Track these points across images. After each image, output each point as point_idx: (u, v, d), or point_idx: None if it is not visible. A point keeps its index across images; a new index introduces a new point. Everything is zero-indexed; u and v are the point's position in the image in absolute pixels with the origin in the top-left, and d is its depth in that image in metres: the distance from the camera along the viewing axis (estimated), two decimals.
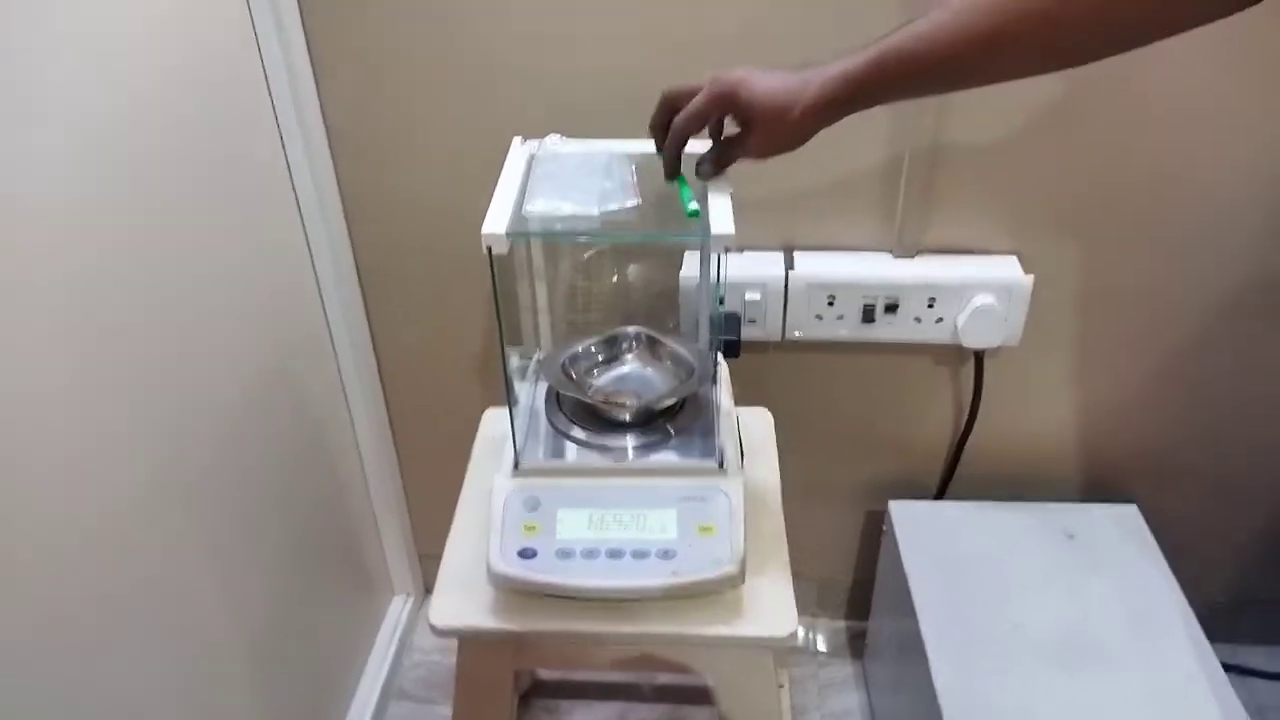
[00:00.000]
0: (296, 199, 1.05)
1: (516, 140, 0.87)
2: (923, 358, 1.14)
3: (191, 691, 0.86)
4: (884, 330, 1.09)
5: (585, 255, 1.04)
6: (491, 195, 0.77)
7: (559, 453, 0.85)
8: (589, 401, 0.88)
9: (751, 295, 1.08)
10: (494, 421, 1.02)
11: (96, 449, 0.72)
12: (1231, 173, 0.99)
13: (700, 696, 1.31)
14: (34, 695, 0.65)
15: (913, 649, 1.02)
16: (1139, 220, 1.03)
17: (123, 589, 0.75)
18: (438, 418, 1.27)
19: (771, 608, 0.77)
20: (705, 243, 0.76)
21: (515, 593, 0.77)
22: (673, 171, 0.77)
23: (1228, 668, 1.13)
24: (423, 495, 1.37)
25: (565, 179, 0.79)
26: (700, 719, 1.29)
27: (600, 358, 0.95)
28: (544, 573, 0.76)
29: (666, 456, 0.84)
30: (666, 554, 0.76)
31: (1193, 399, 1.15)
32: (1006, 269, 1.06)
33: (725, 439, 0.84)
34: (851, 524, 1.31)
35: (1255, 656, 1.31)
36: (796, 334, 1.10)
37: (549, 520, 0.79)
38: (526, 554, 0.77)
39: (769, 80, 0.69)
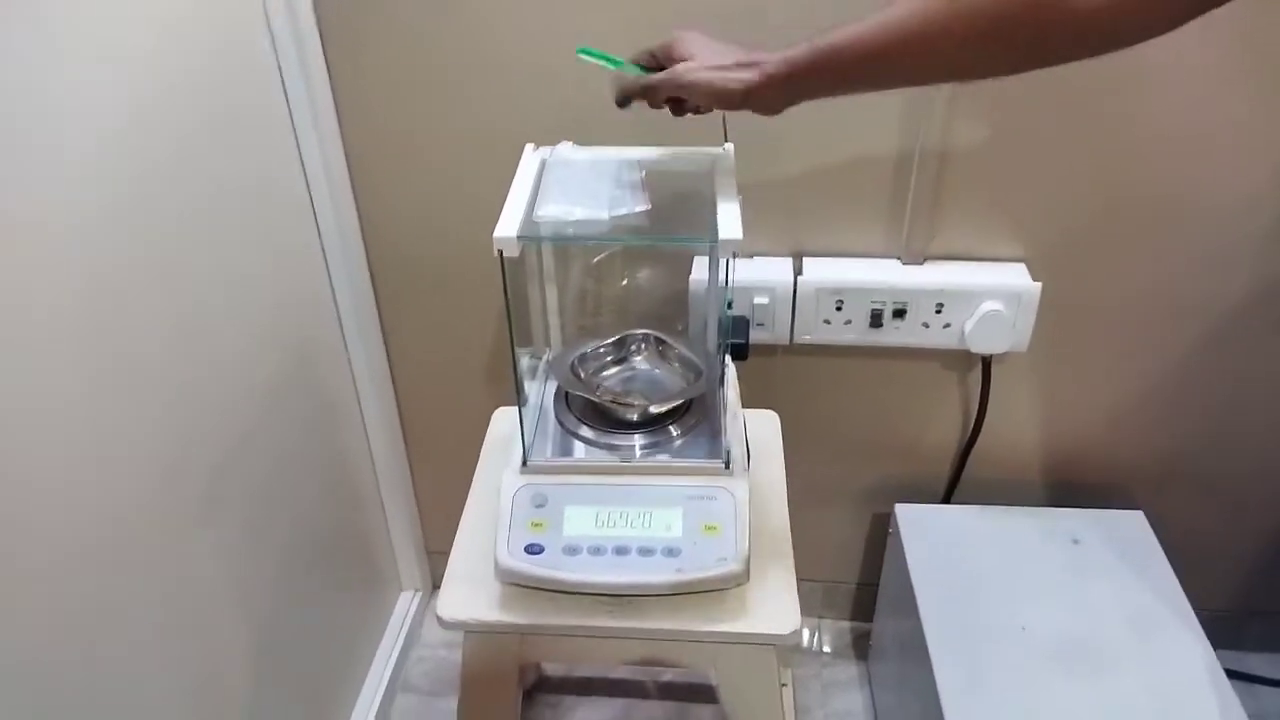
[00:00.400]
0: (312, 203, 1.07)
1: (529, 147, 0.89)
2: (930, 363, 1.15)
3: (201, 680, 0.88)
4: (892, 335, 1.10)
5: (596, 259, 1.05)
6: (503, 200, 0.78)
7: (567, 451, 0.87)
8: (597, 401, 0.89)
9: (760, 299, 1.09)
10: (503, 420, 1.04)
11: (113, 446, 0.74)
12: (1239, 181, 1.00)
13: (704, 695, 1.32)
14: (47, 683, 0.67)
15: (916, 651, 1.02)
16: (1146, 228, 1.04)
17: (136, 581, 0.77)
18: (448, 417, 1.28)
19: (775, 606, 0.78)
20: (714, 246, 0.77)
21: (521, 587, 0.79)
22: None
23: (1232, 674, 1.13)
24: (433, 493, 1.39)
25: (576, 184, 0.81)
26: (704, 717, 1.30)
27: (609, 359, 0.97)
28: (550, 568, 0.77)
29: (673, 456, 0.85)
30: (672, 552, 0.77)
31: (1200, 406, 1.16)
32: (1014, 276, 1.06)
33: (732, 440, 0.85)
34: (858, 526, 1.32)
35: (1260, 664, 1.31)
36: (805, 338, 1.11)
37: (556, 517, 0.80)
38: (533, 549, 0.78)
39: (711, 74, 0.72)
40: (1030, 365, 1.13)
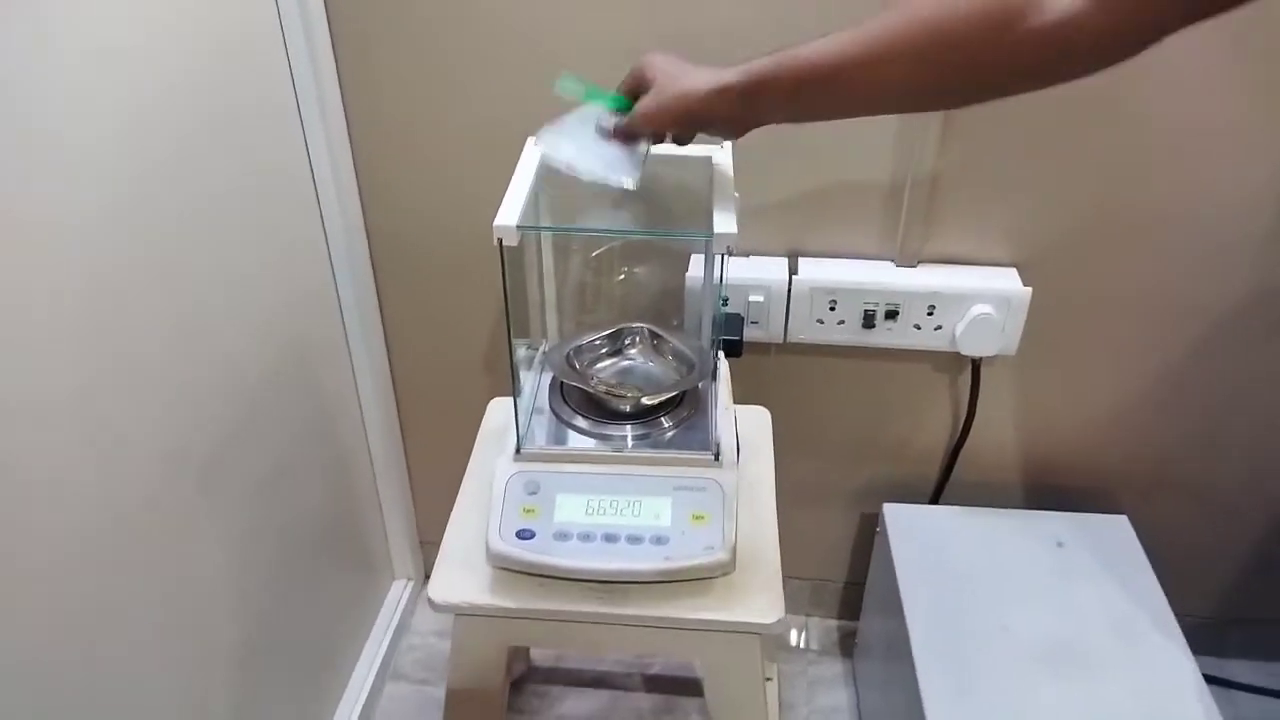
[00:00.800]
0: (318, 197, 1.08)
1: (530, 140, 0.90)
2: (921, 364, 1.16)
3: (195, 666, 0.89)
4: (884, 336, 1.12)
5: (594, 253, 1.07)
6: (504, 192, 0.79)
7: (561, 440, 0.88)
8: (591, 391, 0.91)
9: (755, 297, 1.11)
10: (499, 411, 1.05)
11: (114, 440, 0.75)
12: (1228, 186, 1.01)
13: (690, 688, 1.34)
14: (44, 673, 0.68)
15: (900, 649, 1.04)
16: (1137, 233, 1.05)
17: (134, 574, 0.78)
18: (445, 409, 1.30)
19: (759, 596, 0.80)
20: (709, 242, 0.79)
21: (512, 572, 0.80)
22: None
23: (1212, 680, 1.15)
24: (427, 484, 1.40)
25: (578, 130, 0.78)
26: (690, 710, 1.31)
27: (604, 350, 0.98)
28: (540, 553, 0.78)
29: (664, 447, 0.86)
30: (660, 540, 0.78)
31: (1187, 412, 1.17)
32: (1005, 280, 1.08)
33: (722, 433, 0.86)
34: (847, 525, 1.33)
35: (1240, 670, 1.33)
36: (799, 337, 1.13)
37: (548, 504, 0.81)
38: (524, 535, 0.79)
39: (666, 100, 0.71)
40: (1019, 369, 1.15)
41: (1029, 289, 1.07)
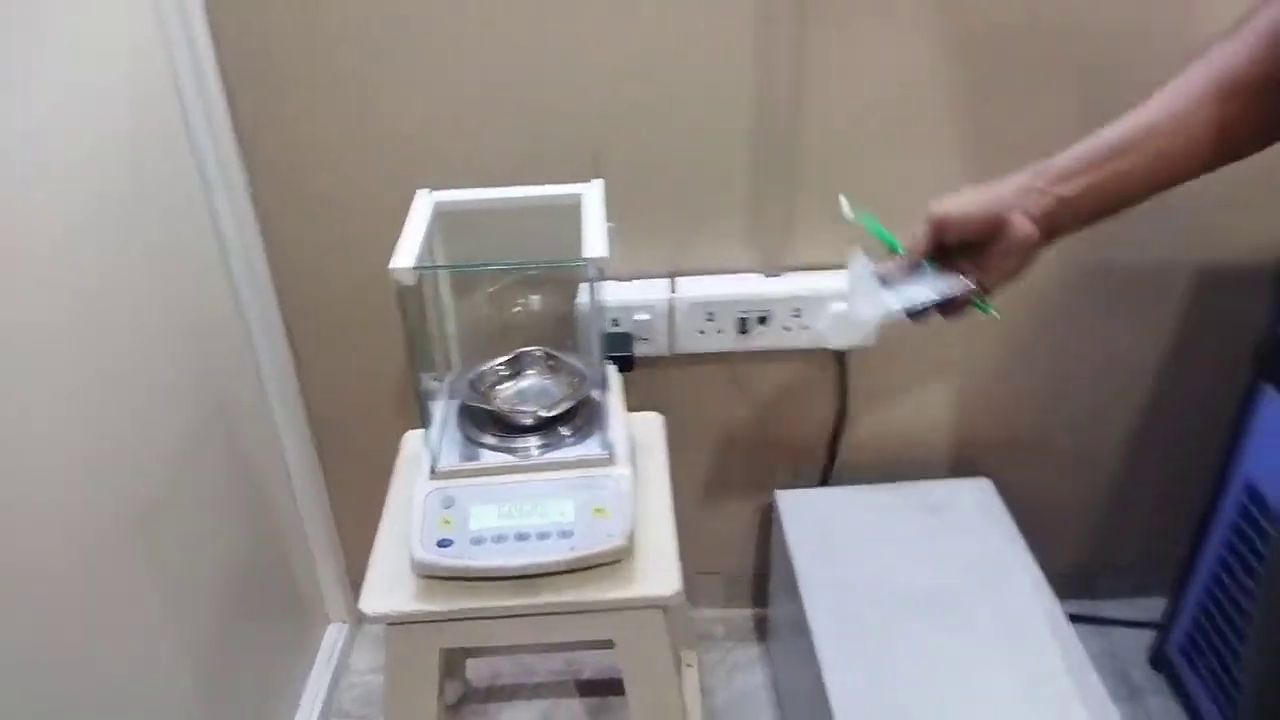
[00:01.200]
0: (224, 257, 1.15)
1: (421, 191, 1.00)
2: (794, 362, 1.29)
3: (137, 713, 0.94)
4: (758, 340, 1.24)
5: (492, 289, 1.17)
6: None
7: (472, 457, 0.97)
8: (495, 411, 1.00)
9: (641, 316, 1.22)
10: (414, 441, 1.13)
11: (41, 494, 0.81)
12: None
13: (620, 688, 1.42)
14: None
15: (800, 623, 1.15)
16: None
17: (69, 629, 0.83)
18: (365, 450, 1.36)
19: (658, 574, 0.90)
20: (583, 266, 0.89)
21: (436, 579, 0.89)
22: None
23: (1083, 619, 1.29)
24: (354, 526, 1.46)
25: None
26: (620, 706, 1.40)
27: (506, 374, 1.08)
28: (459, 558, 0.87)
29: (564, 453, 0.96)
30: (565, 534, 0.88)
31: (1039, 382, 1.32)
32: None
33: (616, 437, 0.96)
34: (750, 518, 1.44)
35: (1113, 608, 1.48)
36: (684, 348, 1.24)
37: (463, 514, 0.90)
38: (444, 543, 0.88)
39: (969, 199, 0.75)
40: (882, 356, 1.28)
41: None
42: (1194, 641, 1.32)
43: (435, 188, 1.02)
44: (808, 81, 1.10)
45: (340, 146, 1.14)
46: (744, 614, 1.53)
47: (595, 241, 0.88)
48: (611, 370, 1.08)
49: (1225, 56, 0.69)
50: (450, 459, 0.97)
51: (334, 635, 1.52)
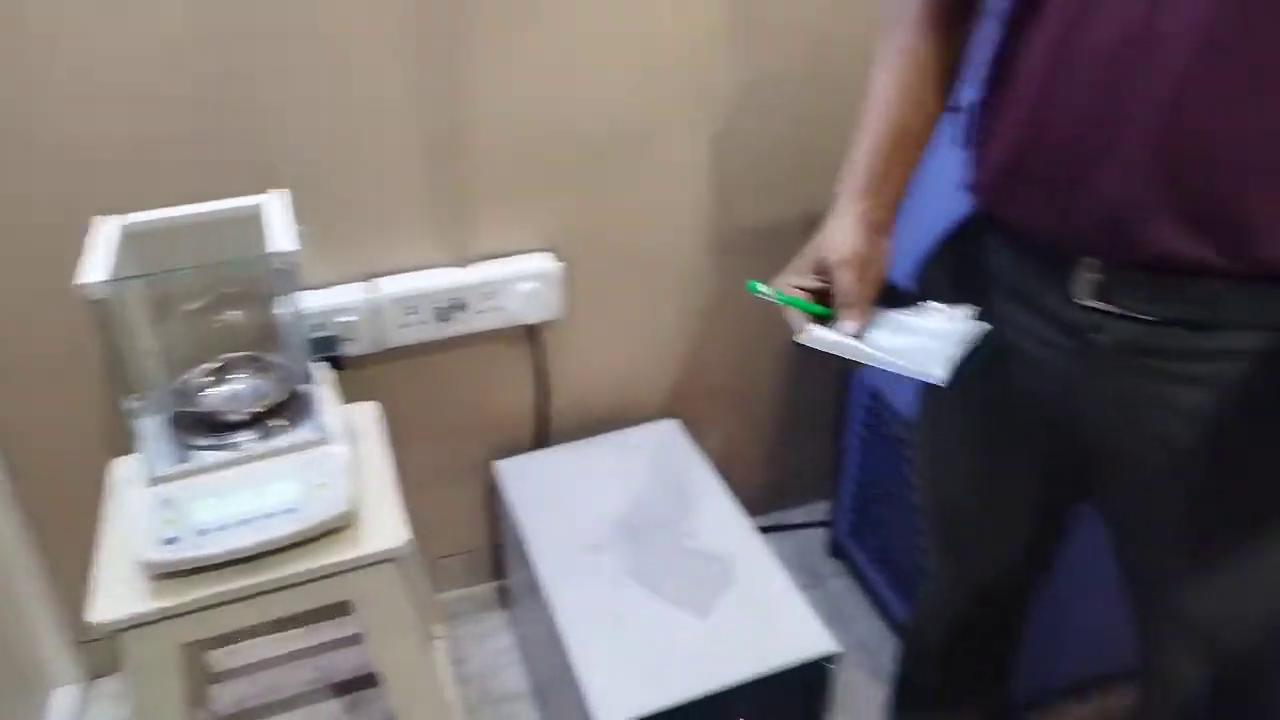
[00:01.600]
0: None
1: (99, 218, 1.03)
2: (496, 342, 1.42)
3: None
4: (459, 326, 1.36)
5: (190, 306, 1.19)
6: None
7: (186, 460, 1.01)
8: (206, 412, 1.05)
9: (345, 318, 1.30)
10: (124, 468, 1.13)
11: None
12: (682, 144, 1.38)
13: (371, 681, 1.48)
14: None
15: (529, 574, 1.28)
16: (645, 213, 1.39)
17: None
18: (73, 494, 1.32)
19: (384, 532, 0.99)
20: (276, 261, 0.97)
21: (168, 577, 0.92)
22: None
23: (775, 528, 1.51)
24: (76, 580, 1.40)
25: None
26: (375, 698, 1.46)
27: (214, 379, 1.12)
28: (189, 549, 0.92)
29: (279, 441, 1.03)
30: (290, 511, 0.95)
31: (710, 335, 1.54)
32: (543, 262, 1.36)
33: (327, 420, 1.04)
34: (479, 494, 1.55)
35: (797, 515, 1.74)
36: (392, 343, 1.33)
37: (185, 512, 0.95)
38: (171, 541, 0.92)
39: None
40: (573, 326, 1.44)
41: (562, 264, 1.36)
42: (856, 527, 1.60)
43: (114, 212, 1.04)
44: (470, 83, 1.24)
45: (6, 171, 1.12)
46: (488, 587, 1.64)
47: (282, 239, 0.96)
48: (319, 366, 1.15)
49: (903, 12, 0.82)
50: (164, 466, 1.00)
51: (64, 701, 1.46)
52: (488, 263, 1.35)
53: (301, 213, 1.07)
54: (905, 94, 0.82)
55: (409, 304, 1.32)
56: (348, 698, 1.48)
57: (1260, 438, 0.74)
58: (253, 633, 1.53)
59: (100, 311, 0.90)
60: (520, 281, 1.35)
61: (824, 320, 0.80)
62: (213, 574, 0.93)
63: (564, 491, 1.38)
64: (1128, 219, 0.70)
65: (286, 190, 1.11)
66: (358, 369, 1.33)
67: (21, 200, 1.14)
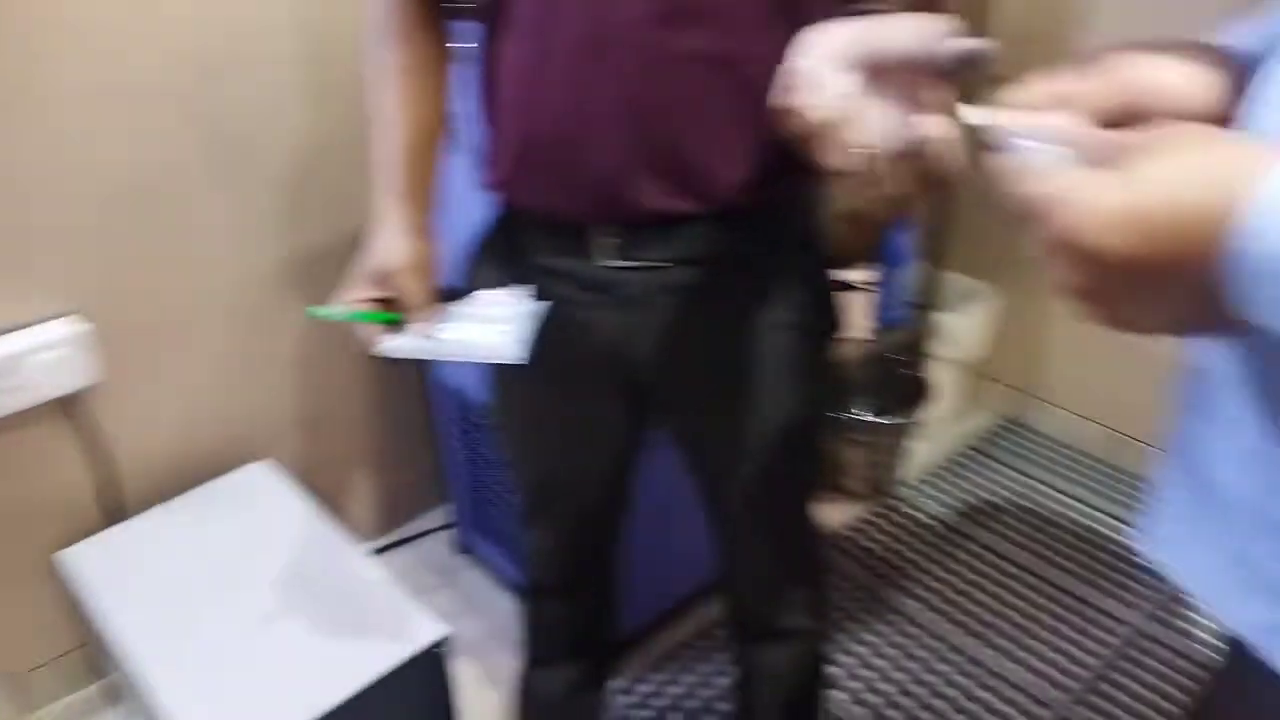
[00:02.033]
0: None
1: None
2: (30, 424, 1.27)
3: None
4: None
5: None
6: None
7: None
8: None
9: None
10: None
11: None
12: (202, 186, 1.32)
13: None
14: None
15: (118, 656, 1.17)
16: (160, 257, 1.31)
17: None
18: None
19: None
20: None
21: None
22: None
23: (395, 544, 1.50)
24: None
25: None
26: None
27: None
28: None
29: None
30: None
31: (285, 365, 1.49)
32: (66, 327, 1.24)
33: None
34: (59, 591, 1.39)
35: (419, 524, 1.76)
36: None
37: None
38: None
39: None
40: (122, 388, 1.33)
41: (91, 324, 1.25)
42: (475, 521, 1.65)
43: None
44: None
45: None
46: (92, 690, 1.48)
47: None
48: None
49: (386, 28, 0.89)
50: None
51: None
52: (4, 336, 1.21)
53: None
54: (414, 106, 0.89)
55: None
56: None
57: (751, 338, 0.91)
58: None
59: None
60: (43, 352, 1.22)
61: (394, 328, 0.83)
62: None
63: (147, 563, 1.28)
64: (620, 190, 0.82)
65: None
66: None
67: None
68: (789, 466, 0.99)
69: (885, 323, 1.76)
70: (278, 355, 1.49)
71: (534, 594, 1.20)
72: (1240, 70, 0.53)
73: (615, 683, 1.52)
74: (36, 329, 1.23)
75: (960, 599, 1.67)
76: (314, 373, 1.54)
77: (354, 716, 1.10)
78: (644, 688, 1.53)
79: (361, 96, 0.91)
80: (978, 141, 0.50)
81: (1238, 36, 0.55)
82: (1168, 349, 0.52)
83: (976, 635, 1.60)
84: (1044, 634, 1.59)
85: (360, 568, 1.28)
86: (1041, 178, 0.43)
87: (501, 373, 0.93)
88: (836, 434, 1.82)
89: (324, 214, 1.44)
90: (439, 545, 1.74)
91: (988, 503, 1.89)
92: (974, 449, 2.05)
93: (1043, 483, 1.95)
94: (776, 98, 0.60)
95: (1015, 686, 1.51)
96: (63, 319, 1.25)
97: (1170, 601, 1.64)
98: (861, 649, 1.58)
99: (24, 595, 1.36)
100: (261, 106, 1.34)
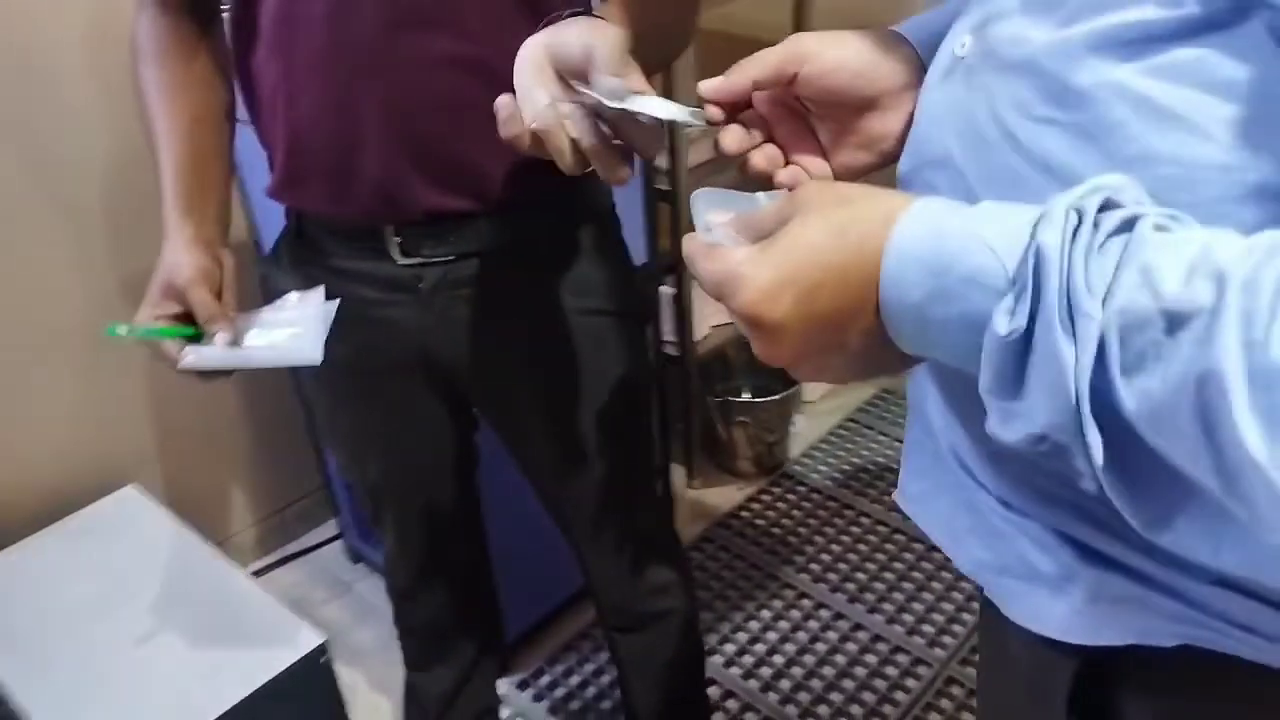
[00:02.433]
0: None
1: None
2: None
3: None
4: None
5: None
6: None
7: None
8: None
9: None
10: None
11: None
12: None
13: None
14: None
15: None
16: None
17: None
18: None
19: None
20: None
21: None
22: None
23: (278, 563, 1.49)
24: None
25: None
26: None
27: None
28: None
29: None
30: None
31: (139, 389, 1.48)
32: None
33: None
34: None
35: (309, 539, 1.75)
36: None
37: None
38: None
39: None
40: None
41: None
42: (362, 529, 1.65)
43: None
44: None
45: None
46: None
47: None
48: None
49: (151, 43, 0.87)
50: None
51: None
52: None
53: None
54: (181, 121, 0.86)
55: None
56: None
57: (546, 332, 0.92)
58: None
59: None
60: None
61: (194, 342, 0.82)
62: None
63: (19, 595, 1.26)
64: (397, 192, 0.83)
65: None
66: None
67: None
68: (614, 457, 1.00)
69: None
70: (133, 380, 1.47)
71: (393, 597, 1.21)
72: (925, 46, 0.57)
73: (513, 677, 1.53)
74: None
75: (843, 567, 1.72)
76: (173, 394, 1.52)
77: None
78: (543, 680, 1.55)
79: None
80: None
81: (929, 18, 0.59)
82: None
83: (858, 600, 1.65)
84: (924, 595, 1.65)
85: (236, 584, 1.27)
86: (714, 257, 0.46)
87: (317, 379, 0.93)
88: (722, 415, 1.86)
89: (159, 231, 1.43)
90: (333, 556, 1.74)
91: (869, 471, 1.95)
92: (854, 420, 2.10)
93: None
94: (501, 130, 0.63)
95: (899, 649, 1.56)
96: None
97: None
98: (753, 624, 1.62)
99: None
100: (76, 126, 1.32)
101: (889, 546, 1.75)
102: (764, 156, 0.59)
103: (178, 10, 0.87)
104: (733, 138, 0.58)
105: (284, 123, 0.84)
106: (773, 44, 0.57)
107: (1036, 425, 0.38)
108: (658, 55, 0.80)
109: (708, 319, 1.82)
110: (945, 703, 1.46)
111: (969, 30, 0.49)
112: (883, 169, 0.58)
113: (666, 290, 1.73)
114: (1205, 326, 0.33)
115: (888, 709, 1.46)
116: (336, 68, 0.78)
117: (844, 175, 0.59)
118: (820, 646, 1.57)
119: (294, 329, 0.82)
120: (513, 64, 0.64)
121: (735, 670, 1.54)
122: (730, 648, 1.58)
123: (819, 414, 2.05)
